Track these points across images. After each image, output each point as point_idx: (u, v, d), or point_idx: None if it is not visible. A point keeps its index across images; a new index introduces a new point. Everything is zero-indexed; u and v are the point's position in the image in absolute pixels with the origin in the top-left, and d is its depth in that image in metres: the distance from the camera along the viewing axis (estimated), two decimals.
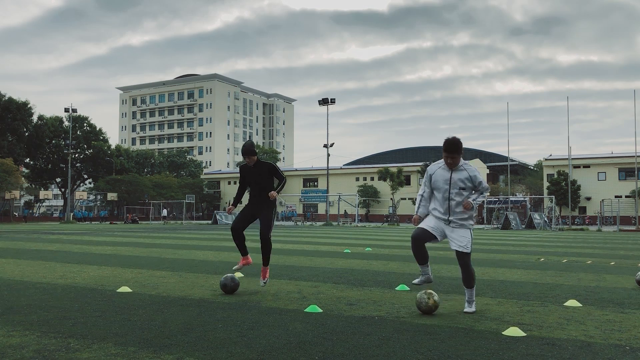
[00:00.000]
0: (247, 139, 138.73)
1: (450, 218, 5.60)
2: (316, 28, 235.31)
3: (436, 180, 5.66)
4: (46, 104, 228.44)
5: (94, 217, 75.70)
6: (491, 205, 54.40)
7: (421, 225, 5.70)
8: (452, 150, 5.48)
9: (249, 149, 6.84)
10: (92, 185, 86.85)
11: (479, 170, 5.75)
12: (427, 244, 5.81)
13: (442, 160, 5.66)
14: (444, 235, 5.66)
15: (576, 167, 68.08)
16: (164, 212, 66.51)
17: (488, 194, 5.86)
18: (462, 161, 5.60)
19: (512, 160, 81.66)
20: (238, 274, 8.64)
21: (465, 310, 5.67)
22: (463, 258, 5.58)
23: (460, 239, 5.56)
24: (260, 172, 6.91)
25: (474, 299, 5.72)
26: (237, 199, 7.16)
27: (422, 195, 5.86)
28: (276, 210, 7.15)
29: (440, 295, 6.23)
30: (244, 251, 7.12)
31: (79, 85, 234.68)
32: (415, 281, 5.92)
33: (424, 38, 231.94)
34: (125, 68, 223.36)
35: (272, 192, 6.83)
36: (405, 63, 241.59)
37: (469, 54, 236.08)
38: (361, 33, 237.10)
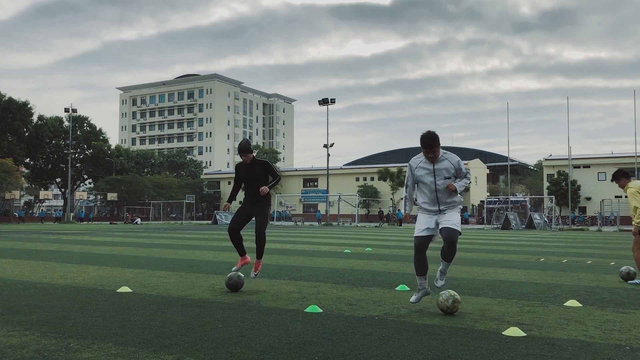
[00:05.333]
0: (247, 139, 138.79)
1: (440, 208, 5.64)
2: (317, 24, 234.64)
3: (420, 175, 5.69)
4: (42, 101, 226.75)
5: (98, 217, 75.27)
6: (491, 205, 54.37)
7: (418, 233, 5.70)
8: (431, 144, 5.52)
9: (245, 147, 6.92)
10: (92, 185, 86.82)
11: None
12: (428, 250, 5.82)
13: (422, 154, 5.70)
14: (438, 226, 5.65)
15: (576, 167, 68.07)
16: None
17: (470, 181, 5.89)
18: (441, 152, 5.65)
19: (512, 161, 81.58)
20: None
21: (435, 284, 5.82)
22: (454, 236, 5.53)
23: (451, 218, 5.59)
24: (256, 170, 7.00)
25: (446, 271, 5.82)
26: (232, 197, 7.23)
27: (406, 192, 5.90)
28: (270, 209, 7.25)
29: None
30: (242, 251, 7.23)
31: (75, 81, 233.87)
32: (412, 299, 5.84)
33: (427, 32, 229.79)
34: (124, 65, 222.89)
35: (263, 187, 6.89)
36: (408, 59, 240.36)
37: (473, 50, 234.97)
38: (363, 29, 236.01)
